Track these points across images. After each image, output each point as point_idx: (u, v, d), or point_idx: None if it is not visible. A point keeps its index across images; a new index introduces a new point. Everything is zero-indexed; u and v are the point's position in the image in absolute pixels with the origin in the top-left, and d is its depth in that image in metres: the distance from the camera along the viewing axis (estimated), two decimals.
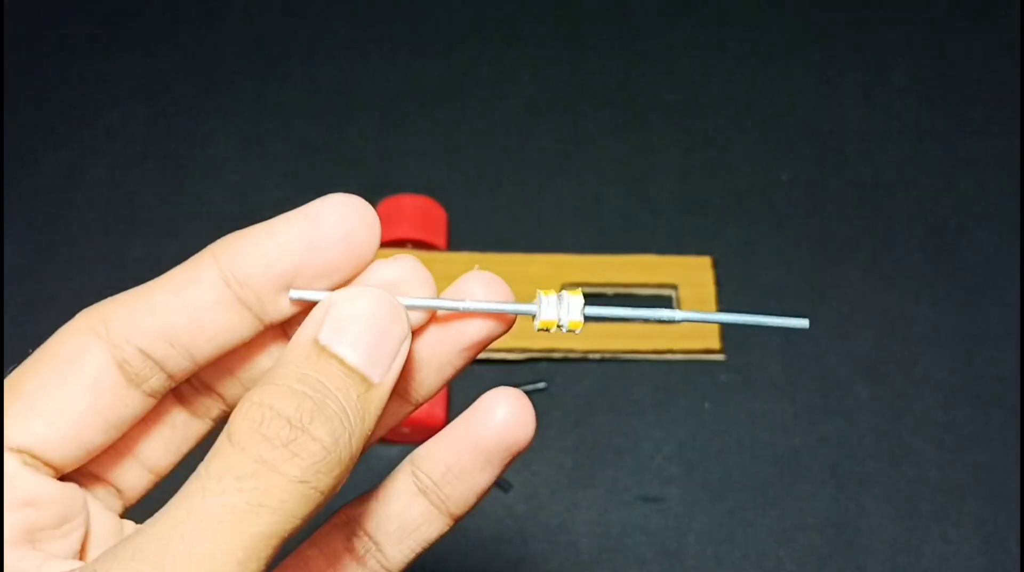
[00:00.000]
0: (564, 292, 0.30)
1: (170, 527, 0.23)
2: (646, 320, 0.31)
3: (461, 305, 0.29)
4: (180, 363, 0.27)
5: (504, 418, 0.29)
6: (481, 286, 0.29)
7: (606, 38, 0.73)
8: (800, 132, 0.69)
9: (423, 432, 0.53)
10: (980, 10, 0.74)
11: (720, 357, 0.59)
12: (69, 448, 0.26)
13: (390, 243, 0.61)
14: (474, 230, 0.64)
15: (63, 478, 0.27)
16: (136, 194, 0.65)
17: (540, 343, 0.59)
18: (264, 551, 0.23)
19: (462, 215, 0.64)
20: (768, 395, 0.58)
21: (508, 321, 0.29)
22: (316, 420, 0.24)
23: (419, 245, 0.61)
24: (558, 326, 0.29)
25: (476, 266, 0.30)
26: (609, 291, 0.61)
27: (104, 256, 0.62)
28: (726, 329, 0.59)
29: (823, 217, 0.65)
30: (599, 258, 0.62)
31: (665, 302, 0.61)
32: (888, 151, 0.68)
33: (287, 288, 0.27)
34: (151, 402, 0.27)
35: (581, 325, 0.30)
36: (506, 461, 0.29)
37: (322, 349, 0.25)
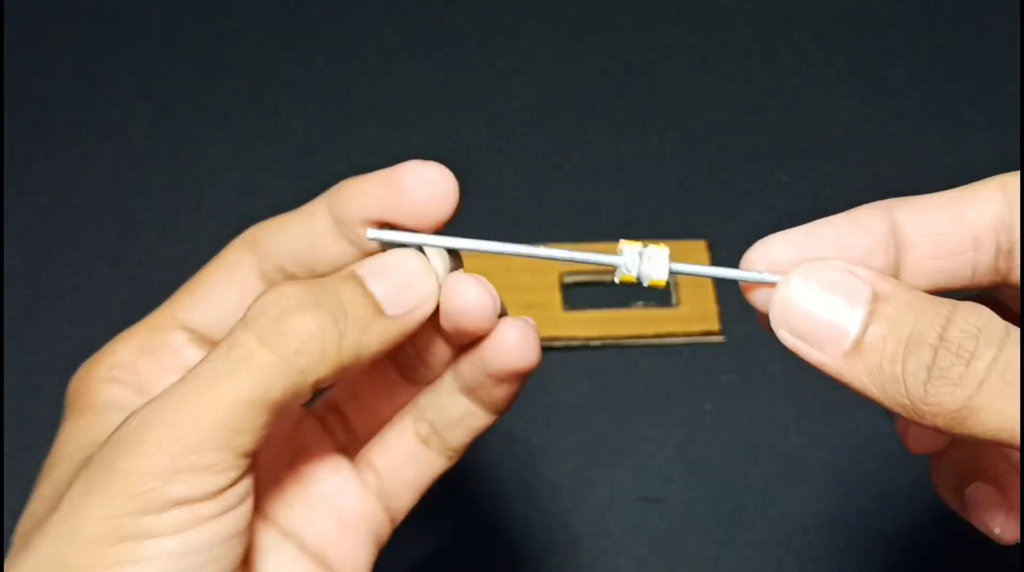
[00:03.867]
0: (650, 246, 0.31)
1: (171, 393, 0.27)
2: (735, 279, 0.30)
3: (528, 250, 0.33)
4: (308, 276, 0.32)
5: (508, 345, 0.32)
6: (471, 285, 0.32)
7: (606, 38, 0.73)
8: (800, 132, 0.69)
9: None
10: (980, 10, 0.74)
11: (719, 338, 0.59)
12: (222, 332, 0.31)
13: None
14: (473, 227, 0.64)
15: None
16: (136, 194, 0.65)
17: (541, 332, 0.58)
18: (247, 421, 0.26)
19: (462, 212, 0.64)
20: (768, 395, 0.58)
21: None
22: (310, 309, 0.28)
23: None
24: (638, 281, 0.30)
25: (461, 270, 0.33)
26: (607, 279, 0.61)
27: (104, 256, 0.62)
28: (725, 315, 0.59)
29: (823, 217, 0.65)
30: (594, 246, 0.62)
31: (663, 287, 0.62)
32: (888, 151, 0.68)
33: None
34: None
35: (664, 282, 0.31)
36: (517, 380, 0.33)
37: (353, 275, 0.30)
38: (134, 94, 0.69)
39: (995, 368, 0.24)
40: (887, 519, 0.54)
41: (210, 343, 0.33)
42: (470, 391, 0.33)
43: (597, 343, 0.59)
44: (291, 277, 0.32)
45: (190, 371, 0.27)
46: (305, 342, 0.27)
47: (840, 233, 0.29)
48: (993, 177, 0.31)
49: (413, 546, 0.53)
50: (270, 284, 0.32)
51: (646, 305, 0.61)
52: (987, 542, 0.54)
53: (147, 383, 0.32)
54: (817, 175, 0.67)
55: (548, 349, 0.59)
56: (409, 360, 0.34)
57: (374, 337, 0.29)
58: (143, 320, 0.34)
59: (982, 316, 0.26)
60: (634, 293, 0.62)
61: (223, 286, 0.33)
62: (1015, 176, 0.30)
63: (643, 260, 0.30)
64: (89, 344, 0.60)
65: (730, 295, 0.61)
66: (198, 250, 0.65)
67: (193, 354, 0.33)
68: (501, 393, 0.33)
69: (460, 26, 0.73)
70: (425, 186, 0.32)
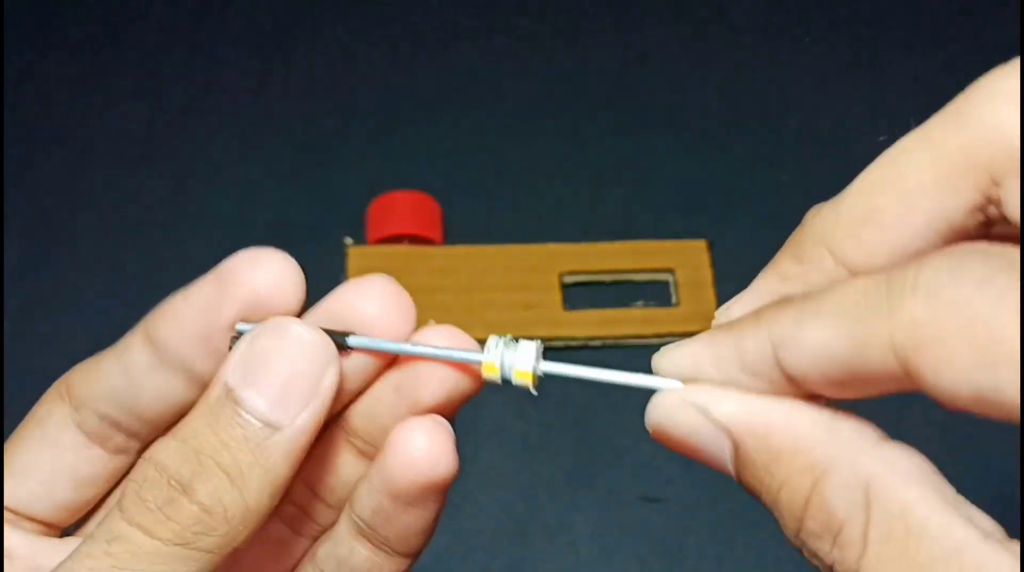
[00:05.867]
0: (522, 340, 0.26)
1: None
2: (612, 382, 0.26)
3: (406, 348, 0.25)
4: (134, 424, 0.27)
5: (413, 455, 0.26)
6: (440, 337, 0.26)
7: (606, 38, 0.73)
8: (800, 132, 0.69)
9: None
10: (980, 10, 0.74)
11: None
12: (41, 504, 0.27)
13: (385, 240, 0.61)
14: (473, 227, 0.64)
15: (68, 532, 0.28)
16: (136, 194, 0.65)
17: (541, 332, 0.59)
18: None
19: (462, 213, 0.64)
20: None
21: (475, 376, 0.26)
22: (197, 479, 0.23)
23: (415, 240, 0.61)
24: (503, 380, 0.26)
25: (431, 321, 0.26)
26: (606, 278, 0.62)
27: (104, 256, 0.62)
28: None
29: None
30: (594, 246, 0.62)
31: (663, 287, 0.62)
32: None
33: (208, 343, 0.25)
34: (123, 459, 0.27)
35: (531, 377, 0.26)
36: (430, 499, 0.26)
37: (228, 391, 0.24)
38: (134, 94, 0.69)
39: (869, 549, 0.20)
40: None
41: (30, 521, 0.27)
42: (372, 530, 0.27)
43: (597, 343, 0.59)
44: (113, 424, 0.27)
45: None
46: (200, 524, 0.23)
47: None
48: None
49: None
50: (92, 436, 0.27)
51: (646, 305, 0.61)
52: None
53: None
54: (817, 175, 0.67)
55: (548, 349, 0.59)
56: (296, 501, 0.28)
57: (281, 464, 0.23)
58: None
59: (834, 516, 0.21)
60: (634, 293, 0.62)
61: (33, 447, 0.27)
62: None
63: (507, 349, 0.26)
64: (89, 344, 0.60)
65: (730, 295, 0.61)
66: (198, 250, 0.65)
67: (12, 540, 0.27)
68: (411, 524, 0.26)
69: (460, 26, 0.73)
70: (265, 276, 0.25)
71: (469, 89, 0.70)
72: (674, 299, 0.61)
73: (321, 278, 0.65)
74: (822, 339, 0.21)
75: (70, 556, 0.23)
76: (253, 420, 0.23)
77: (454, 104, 0.70)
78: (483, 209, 0.65)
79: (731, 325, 0.23)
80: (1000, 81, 0.21)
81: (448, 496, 0.27)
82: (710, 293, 0.60)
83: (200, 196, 0.65)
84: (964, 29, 0.74)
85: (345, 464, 0.27)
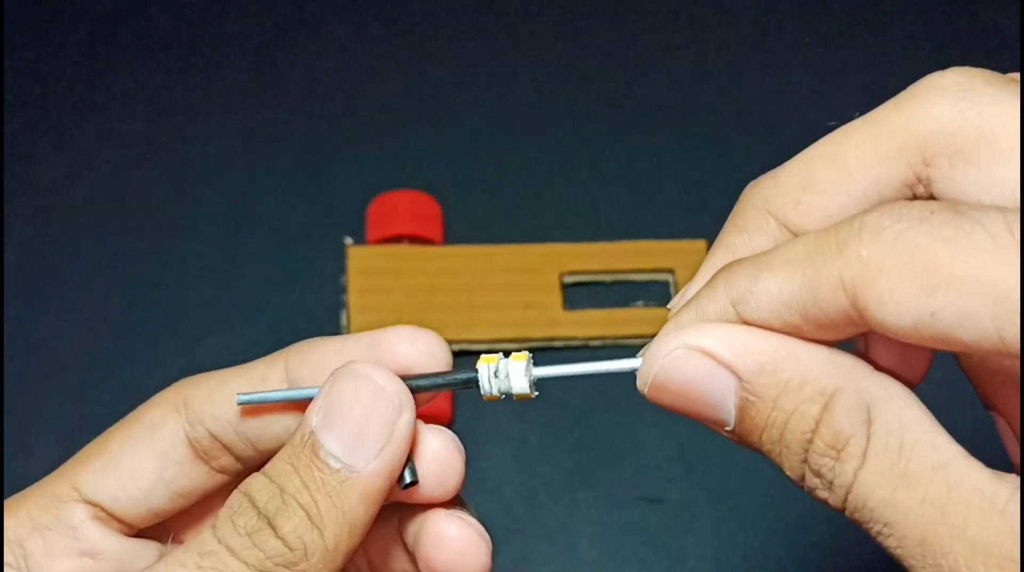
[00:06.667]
0: (506, 360, 0.27)
1: None
2: (606, 372, 0.27)
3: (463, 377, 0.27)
4: (247, 450, 0.28)
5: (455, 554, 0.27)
6: (407, 341, 0.27)
7: (606, 38, 0.73)
8: (800, 132, 0.69)
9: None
10: (980, 10, 0.74)
11: None
12: (136, 509, 0.28)
13: (386, 240, 0.61)
14: (473, 227, 0.64)
15: (140, 534, 0.29)
16: (136, 194, 0.65)
17: (541, 332, 0.59)
18: None
19: (462, 213, 0.64)
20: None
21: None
22: (280, 515, 0.24)
23: (415, 240, 0.61)
24: (502, 395, 0.27)
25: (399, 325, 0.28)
26: (607, 278, 0.62)
27: (104, 256, 0.62)
28: None
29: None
30: (594, 246, 0.62)
31: (663, 287, 0.62)
32: None
33: None
34: (222, 478, 0.29)
35: (529, 394, 0.27)
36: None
37: (310, 433, 0.25)
38: (134, 94, 0.69)
39: (851, 500, 0.23)
40: None
41: (118, 522, 0.28)
42: None
43: (597, 343, 0.59)
44: (226, 446, 0.28)
45: None
46: (281, 557, 0.24)
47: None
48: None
49: None
50: (200, 453, 0.28)
51: (646, 305, 0.61)
52: None
53: (36, 567, 0.27)
54: None
55: (548, 349, 0.59)
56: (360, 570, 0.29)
57: (358, 507, 0.24)
58: (39, 484, 0.28)
59: (841, 432, 0.22)
60: (634, 293, 0.62)
61: (140, 452, 0.28)
62: None
63: (499, 378, 0.27)
64: (89, 344, 0.60)
65: None
66: (198, 250, 0.66)
67: (94, 534, 0.28)
68: None
69: (460, 26, 0.73)
70: (418, 351, 0.27)
71: (469, 89, 0.70)
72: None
73: (321, 278, 0.66)
74: (776, 287, 0.22)
75: (164, 561, 0.25)
76: (330, 462, 0.24)
77: (454, 104, 0.70)
78: (483, 209, 0.65)
79: (689, 300, 0.24)
80: (940, 78, 0.25)
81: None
82: None
83: (200, 196, 0.65)
84: (964, 29, 0.74)
85: (398, 557, 0.28)
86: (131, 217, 0.64)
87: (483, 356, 0.27)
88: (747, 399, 0.23)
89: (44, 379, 0.58)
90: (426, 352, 0.27)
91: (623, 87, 0.71)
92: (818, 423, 0.23)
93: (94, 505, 0.28)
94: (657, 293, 0.62)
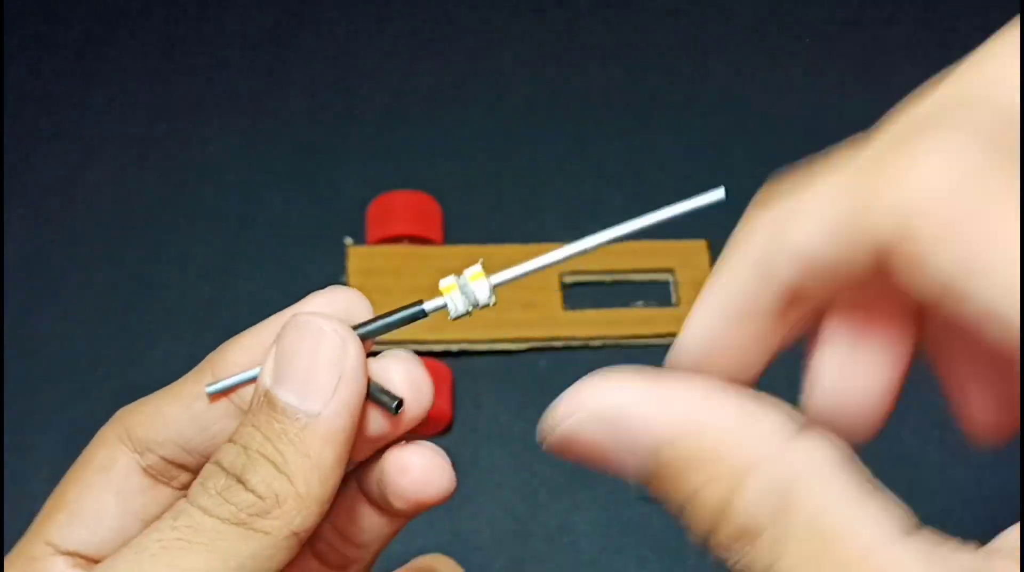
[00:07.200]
0: (466, 277, 0.29)
1: (108, 567, 0.25)
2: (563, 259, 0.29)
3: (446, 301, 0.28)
4: (202, 461, 0.28)
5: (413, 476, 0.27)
6: (325, 303, 0.27)
7: (606, 38, 0.73)
8: (800, 132, 0.69)
9: (429, 425, 0.53)
10: (980, 10, 0.74)
11: None
12: (113, 544, 0.28)
13: (385, 240, 0.61)
14: (473, 227, 0.64)
15: None
16: (136, 194, 0.65)
17: (541, 332, 0.59)
18: None
19: (462, 213, 0.64)
20: (768, 393, 0.58)
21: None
22: (247, 470, 0.25)
23: (414, 240, 0.61)
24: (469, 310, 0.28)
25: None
26: (607, 278, 0.62)
27: (104, 256, 0.62)
28: None
29: None
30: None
31: (663, 287, 0.62)
32: None
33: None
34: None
35: (481, 277, 0.29)
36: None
37: (265, 393, 0.25)
38: (134, 94, 0.69)
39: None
40: None
41: (95, 562, 0.28)
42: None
43: (597, 343, 0.59)
44: (180, 465, 0.28)
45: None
46: (255, 505, 0.25)
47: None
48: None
49: (412, 546, 0.53)
50: (158, 477, 0.28)
51: (646, 305, 0.61)
52: (987, 542, 0.54)
53: None
54: None
55: (548, 349, 0.59)
56: (330, 541, 0.29)
57: (322, 449, 0.25)
58: (13, 551, 0.28)
59: (752, 515, 0.21)
60: (634, 293, 0.62)
61: (100, 494, 0.28)
62: None
63: (465, 295, 0.28)
64: (89, 344, 0.60)
65: None
66: (198, 250, 0.66)
67: None
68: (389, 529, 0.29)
69: (460, 26, 0.73)
70: (334, 308, 0.27)
71: (469, 89, 0.70)
72: (674, 299, 0.61)
73: (321, 278, 0.66)
74: (812, 225, 0.22)
75: (141, 534, 0.26)
76: (287, 413, 0.25)
77: (454, 104, 0.70)
78: (483, 209, 0.65)
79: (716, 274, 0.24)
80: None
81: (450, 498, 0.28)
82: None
83: (200, 196, 0.65)
84: (964, 29, 0.74)
85: (365, 514, 0.29)
86: (131, 217, 0.64)
87: (442, 286, 0.28)
88: (658, 465, 0.23)
89: (44, 379, 0.58)
90: (344, 309, 0.27)
91: (623, 87, 0.71)
92: (727, 506, 0.21)
93: (71, 555, 0.28)
94: (657, 293, 0.62)
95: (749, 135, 0.68)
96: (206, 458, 0.27)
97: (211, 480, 0.25)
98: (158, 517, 0.28)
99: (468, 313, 0.28)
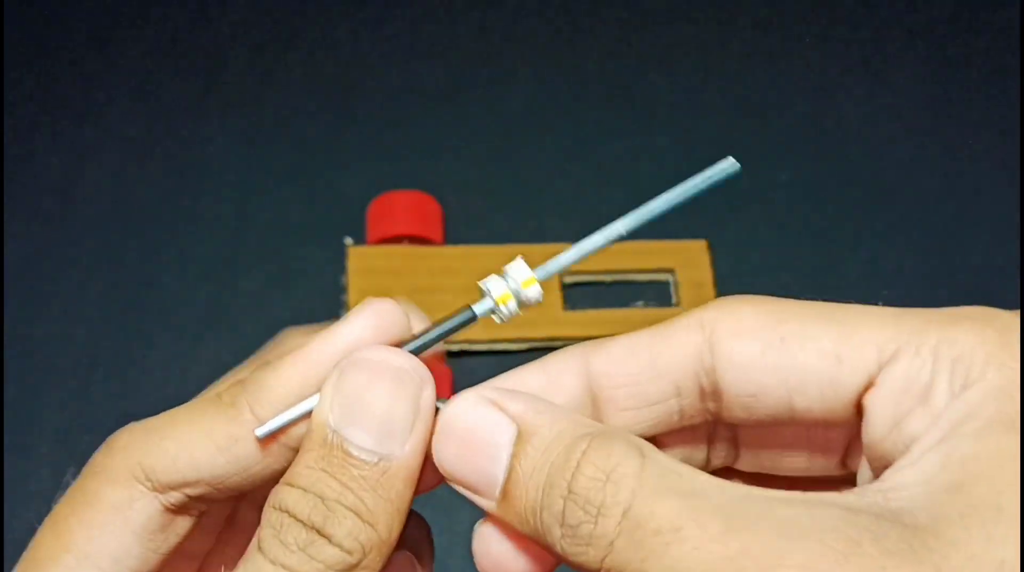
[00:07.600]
0: (519, 282, 0.28)
1: None
2: (601, 247, 0.29)
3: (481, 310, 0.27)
4: (221, 491, 0.27)
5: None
6: (371, 325, 0.26)
7: (606, 38, 0.73)
8: (800, 132, 0.69)
9: None
10: (980, 10, 0.74)
11: None
12: None
13: (385, 240, 0.61)
14: (473, 227, 0.64)
15: None
16: (136, 194, 0.65)
17: (541, 332, 0.59)
18: None
19: (462, 214, 0.64)
20: None
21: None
22: (329, 522, 0.24)
23: (414, 240, 0.61)
24: (519, 303, 0.28)
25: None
26: (607, 278, 0.62)
27: (104, 256, 0.62)
28: None
29: (823, 217, 0.65)
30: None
31: (663, 287, 0.62)
32: (888, 151, 0.68)
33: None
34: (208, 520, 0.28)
35: (534, 282, 0.28)
36: None
37: (334, 434, 0.24)
38: (134, 94, 0.69)
39: (624, 527, 0.21)
40: None
41: None
42: None
43: None
44: (199, 499, 0.27)
45: None
46: (343, 561, 0.24)
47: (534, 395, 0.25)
48: (691, 313, 0.27)
49: None
50: (179, 511, 0.27)
51: (646, 305, 0.61)
52: None
53: None
54: (817, 175, 0.67)
55: (548, 349, 0.59)
56: None
57: (402, 491, 0.24)
58: None
59: (612, 454, 0.22)
60: (634, 293, 0.62)
61: (120, 536, 0.27)
62: (716, 309, 0.27)
63: (515, 301, 0.28)
64: (89, 344, 0.60)
65: (730, 294, 0.61)
66: (198, 250, 0.65)
67: None
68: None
69: (460, 26, 0.73)
70: (384, 323, 0.26)
71: (469, 89, 0.70)
72: (674, 299, 0.61)
73: (321, 278, 0.65)
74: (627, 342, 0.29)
75: None
76: (364, 457, 0.24)
77: (454, 104, 0.70)
78: (483, 209, 0.65)
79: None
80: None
81: (447, 496, 0.27)
82: (710, 293, 0.60)
83: (200, 196, 0.65)
84: (964, 29, 0.74)
85: None
86: (131, 217, 0.64)
87: (490, 289, 0.28)
88: (523, 442, 0.24)
89: (44, 379, 0.58)
90: (389, 328, 0.26)
91: (623, 87, 0.71)
92: (588, 448, 0.22)
93: None
94: (657, 293, 0.62)
95: (749, 135, 0.68)
96: (236, 489, 0.26)
97: (289, 534, 0.24)
98: (176, 542, 0.27)
99: (516, 314, 0.27)
